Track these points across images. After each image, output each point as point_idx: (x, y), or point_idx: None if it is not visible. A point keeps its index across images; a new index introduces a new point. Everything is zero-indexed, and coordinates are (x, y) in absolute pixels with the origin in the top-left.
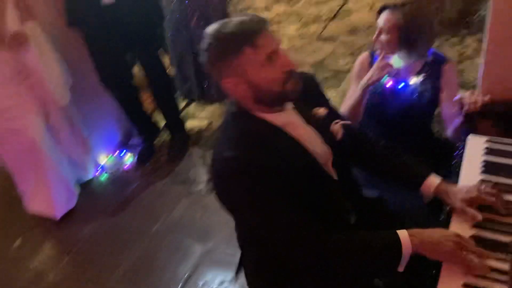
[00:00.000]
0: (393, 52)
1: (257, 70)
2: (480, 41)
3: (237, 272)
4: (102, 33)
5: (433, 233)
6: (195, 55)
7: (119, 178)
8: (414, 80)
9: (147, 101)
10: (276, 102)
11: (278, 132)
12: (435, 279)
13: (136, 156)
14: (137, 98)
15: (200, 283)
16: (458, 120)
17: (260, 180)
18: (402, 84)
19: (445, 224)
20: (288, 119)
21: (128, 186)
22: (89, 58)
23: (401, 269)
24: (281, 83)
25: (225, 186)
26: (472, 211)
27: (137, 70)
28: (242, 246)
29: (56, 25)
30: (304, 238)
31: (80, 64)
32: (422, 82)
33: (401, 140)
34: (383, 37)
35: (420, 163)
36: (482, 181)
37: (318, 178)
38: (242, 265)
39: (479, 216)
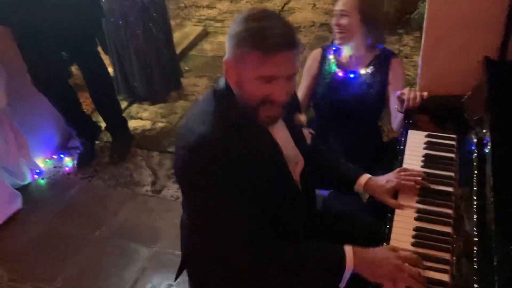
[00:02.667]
0: (351, 38)
1: (250, 77)
2: (417, 40)
3: (177, 276)
4: (31, 30)
5: (375, 253)
6: (137, 53)
7: (58, 182)
8: (364, 71)
9: (86, 101)
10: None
11: (259, 125)
12: None
13: (76, 159)
14: (74, 98)
15: (148, 287)
16: (401, 115)
17: (227, 168)
18: (352, 75)
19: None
20: None
21: (68, 190)
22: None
23: (342, 285)
24: (257, 104)
25: (190, 162)
26: (392, 201)
27: (75, 69)
28: (185, 250)
29: None
30: (249, 236)
31: (13, 63)
32: (371, 74)
33: (351, 134)
34: (343, 20)
35: (353, 166)
36: (400, 169)
37: (284, 182)
38: (185, 269)
39: (401, 206)
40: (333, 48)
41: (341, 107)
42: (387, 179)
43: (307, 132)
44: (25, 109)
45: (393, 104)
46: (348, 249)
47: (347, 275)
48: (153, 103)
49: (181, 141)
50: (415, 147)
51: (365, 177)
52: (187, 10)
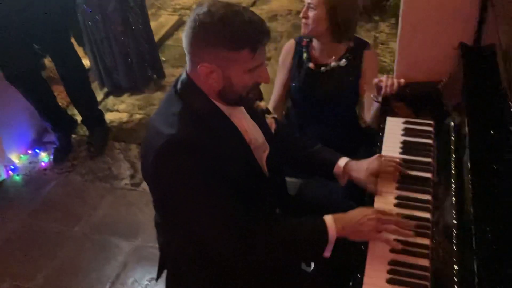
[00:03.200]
0: (317, 30)
1: (239, 72)
2: (393, 26)
3: (158, 276)
4: (4, 24)
5: (354, 215)
6: (116, 44)
7: (34, 178)
8: (336, 64)
9: (61, 95)
10: (234, 102)
11: (223, 119)
12: (363, 260)
13: (52, 154)
14: (48, 92)
15: (130, 281)
16: (377, 104)
17: (198, 161)
18: (324, 68)
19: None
20: (235, 110)
21: (45, 186)
22: None
23: (327, 254)
24: (248, 91)
25: (162, 165)
26: (371, 186)
27: (48, 62)
28: (162, 250)
29: None
30: (233, 223)
31: None
32: (344, 67)
33: (328, 124)
34: (310, 13)
35: (331, 150)
36: (380, 155)
37: (251, 170)
38: (165, 268)
39: (379, 192)
40: (306, 40)
41: (315, 100)
42: (368, 163)
43: (270, 119)
44: None
45: (367, 96)
46: (328, 218)
47: (331, 242)
48: (133, 93)
49: (148, 146)
50: (393, 134)
51: (344, 160)
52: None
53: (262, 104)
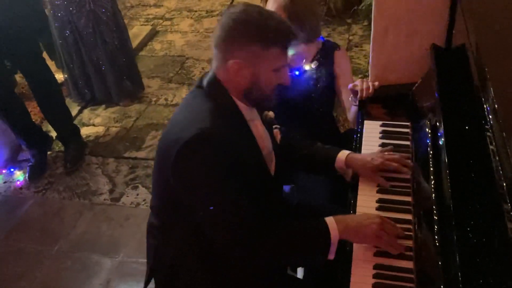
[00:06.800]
0: None
1: (267, 70)
2: (366, 28)
3: (145, 286)
4: None
5: (357, 217)
6: (89, 58)
7: (10, 198)
8: (308, 67)
9: (34, 111)
10: (257, 103)
11: (243, 124)
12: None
13: (28, 172)
14: (21, 108)
15: None
16: (354, 107)
17: (222, 157)
18: (297, 72)
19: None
20: (253, 116)
21: (21, 205)
22: None
23: (331, 256)
24: (271, 91)
25: (191, 155)
26: (381, 179)
27: (19, 77)
28: (154, 256)
29: None
30: (245, 222)
31: None
32: (317, 69)
33: (307, 126)
34: None
35: (331, 146)
36: (382, 149)
37: (262, 174)
38: (153, 277)
39: (387, 184)
40: None
41: (291, 104)
42: (372, 157)
43: (276, 130)
44: None
45: (346, 97)
46: (329, 219)
47: (334, 243)
48: (108, 106)
49: (170, 139)
50: (372, 136)
51: (344, 153)
52: (134, 9)
53: (270, 113)
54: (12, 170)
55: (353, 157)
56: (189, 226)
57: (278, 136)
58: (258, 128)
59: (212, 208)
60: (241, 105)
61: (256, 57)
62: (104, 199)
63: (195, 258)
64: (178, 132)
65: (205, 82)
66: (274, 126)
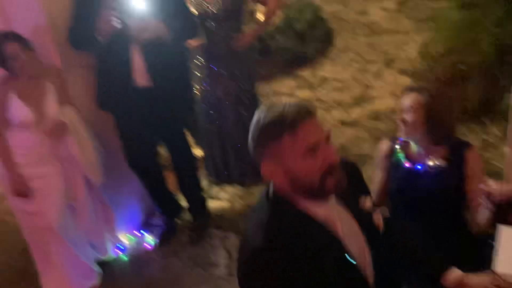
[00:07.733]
0: (415, 133)
1: (294, 159)
2: (503, 129)
3: None
4: (133, 116)
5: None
6: (229, 138)
7: (138, 260)
8: (433, 164)
9: (169, 180)
10: (315, 194)
11: (318, 228)
12: None
13: (159, 236)
14: (161, 177)
15: None
16: (485, 210)
17: (284, 273)
18: (420, 167)
19: None
20: (331, 210)
21: (147, 268)
22: (115, 136)
23: None
24: (320, 176)
25: (248, 275)
26: None
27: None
28: None
29: (89, 107)
30: None
31: (106, 142)
32: (444, 168)
33: (427, 224)
34: (408, 116)
35: (442, 255)
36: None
37: (352, 281)
38: None
39: None
40: (401, 140)
41: (413, 201)
42: (484, 283)
43: (378, 217)
44: (114, 187)
45: (476, 198)
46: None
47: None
48: (243, 186)
49: (241, 251)
50: (509, 245)
51: (457, 273)
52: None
53: (368, 204)
54: (143, 233)
55: (467, 280)
56: None
57: (380, 223)
58: (340, 224)
59: None
60: (307, 205)
61: (276, 153)
62: (221, 272)
63: None
64: (244, 245)
65: (270, 188)
66: (375, 212)
